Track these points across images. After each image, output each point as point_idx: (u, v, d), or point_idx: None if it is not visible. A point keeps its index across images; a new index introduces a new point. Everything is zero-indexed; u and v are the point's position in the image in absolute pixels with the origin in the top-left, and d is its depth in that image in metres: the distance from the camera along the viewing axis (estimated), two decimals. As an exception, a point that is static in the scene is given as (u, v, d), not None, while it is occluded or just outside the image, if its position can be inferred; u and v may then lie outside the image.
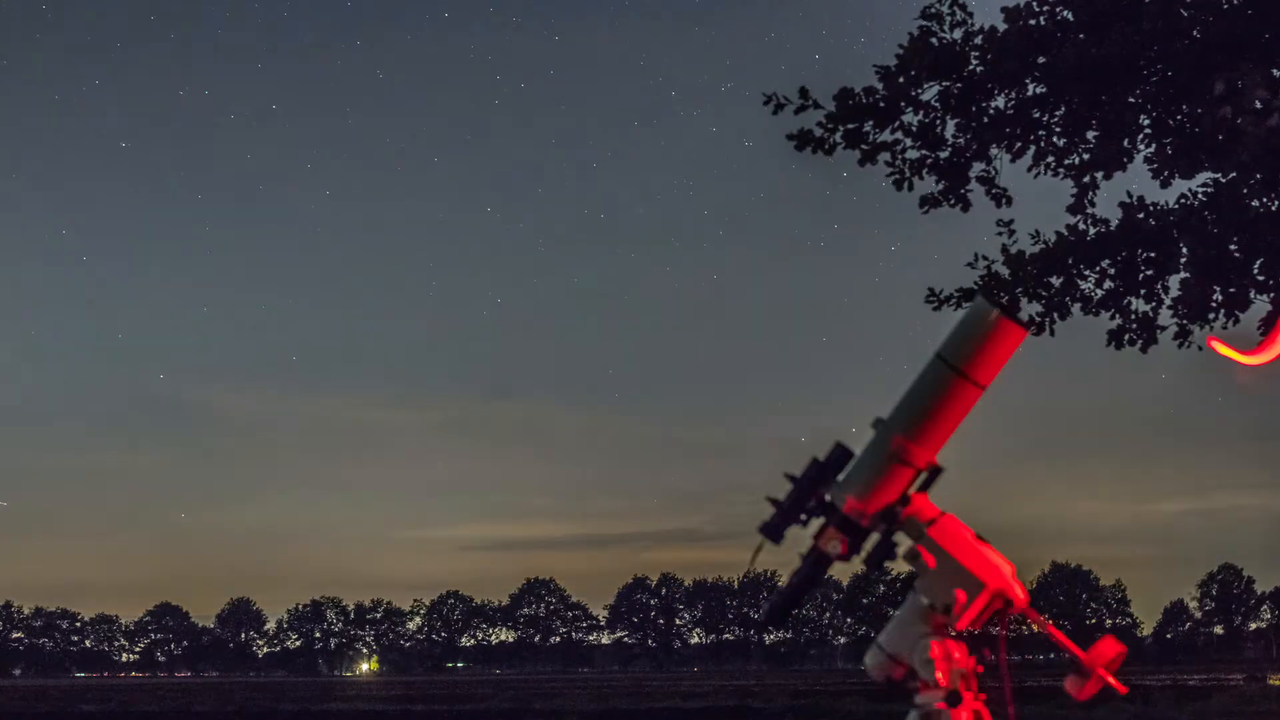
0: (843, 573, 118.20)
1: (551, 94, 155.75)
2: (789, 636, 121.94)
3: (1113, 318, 9.86)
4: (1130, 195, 9.59)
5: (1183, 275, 9.53)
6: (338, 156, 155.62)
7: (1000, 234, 9.90)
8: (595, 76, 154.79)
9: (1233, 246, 9.24)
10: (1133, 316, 9.84)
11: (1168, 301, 9.74)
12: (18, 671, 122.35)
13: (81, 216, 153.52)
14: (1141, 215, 9.56)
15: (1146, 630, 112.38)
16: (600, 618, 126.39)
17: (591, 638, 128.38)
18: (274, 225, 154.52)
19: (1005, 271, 9.79)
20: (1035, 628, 1.79)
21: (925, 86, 9.32)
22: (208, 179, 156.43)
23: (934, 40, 9.19)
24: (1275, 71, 8.35)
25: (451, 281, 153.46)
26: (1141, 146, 9.51)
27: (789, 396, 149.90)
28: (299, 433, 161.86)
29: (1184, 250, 9.45)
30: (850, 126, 9.39)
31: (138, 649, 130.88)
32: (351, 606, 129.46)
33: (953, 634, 1.77)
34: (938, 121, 9.48)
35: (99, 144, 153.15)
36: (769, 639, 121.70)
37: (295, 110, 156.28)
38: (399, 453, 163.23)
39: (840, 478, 1.81)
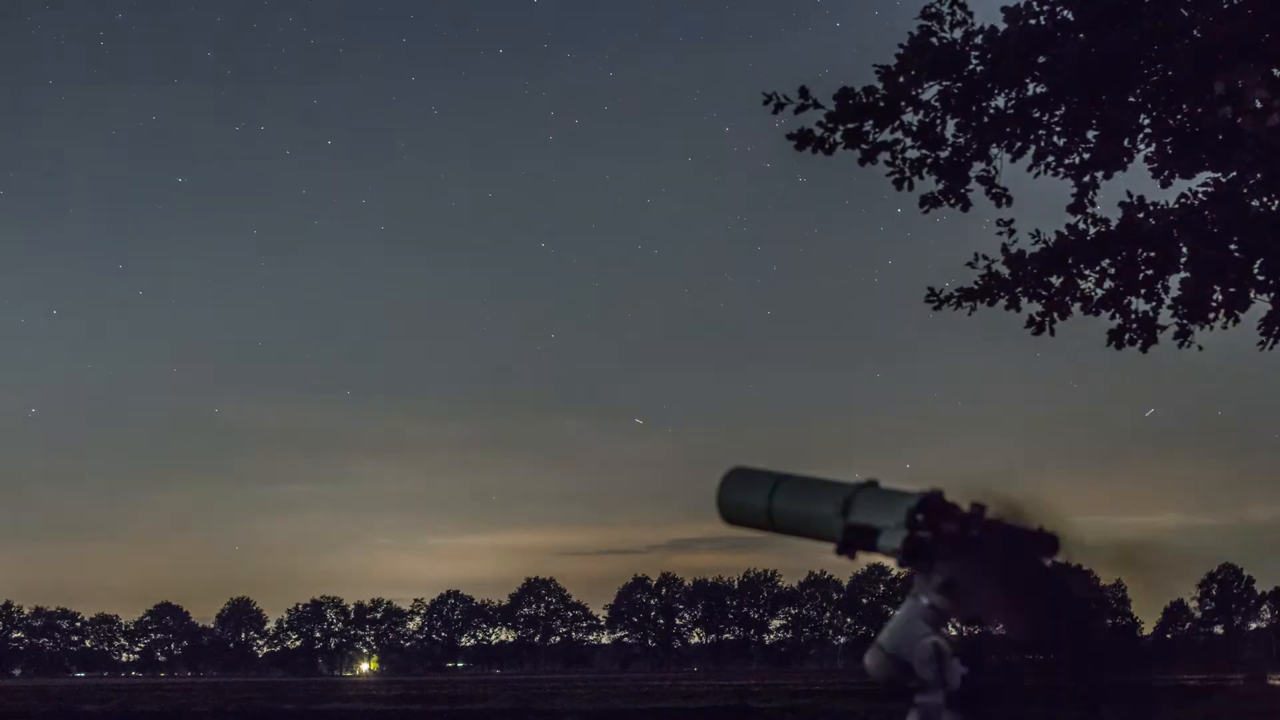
0: (843, 572, 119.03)
1: (605, 130, 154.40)
2: (789, 636, 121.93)
3: (1113, 318, 9.86)
4: (1130, 195, 9.58)
5: (1183, 275, 9.52)
6: (392, 192, 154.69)
7: (1000, 234, 9.91)
8: (648, 112, 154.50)
9: (1233, 246, 9.24)
10: (1133, 316, 9.83)
11: (1168, 301, 9.74)
12: (18, 671, 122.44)
13: (138, 251, 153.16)
14: (1141, 215, 9.55)
15: (1147, 630, 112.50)
16: (600, 618, 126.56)
17: (591, 638, 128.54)
18: (329, 260, 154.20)
19: (1005, 271, 9.79)
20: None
21: (925, 86, 9.32)
22: (263, 214, 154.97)
23: (934, 40, 9.19)
24: (1275, 71, 8.35)
25: (505, 316, 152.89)
26: (1141, 146, 9.50)
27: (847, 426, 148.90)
28: (302, 436, 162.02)
29: (1184, 250, 9.45)
30: (850, 126, 9.39)
31: (138, 649, 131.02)
32: (351, 606, 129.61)
33: (952, 633, 1.76)
34: (938, 121, 9.47)
35: (155, 179, 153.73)
36: (768, 639, 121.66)
37: (350, 146, 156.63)
38: (404, 458, 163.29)
39: None
